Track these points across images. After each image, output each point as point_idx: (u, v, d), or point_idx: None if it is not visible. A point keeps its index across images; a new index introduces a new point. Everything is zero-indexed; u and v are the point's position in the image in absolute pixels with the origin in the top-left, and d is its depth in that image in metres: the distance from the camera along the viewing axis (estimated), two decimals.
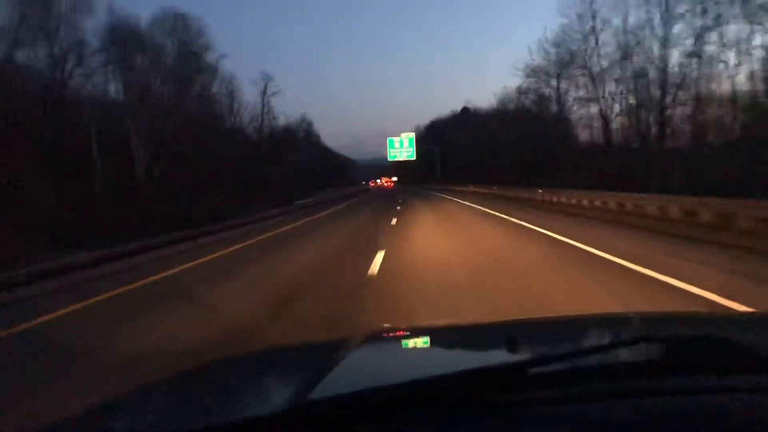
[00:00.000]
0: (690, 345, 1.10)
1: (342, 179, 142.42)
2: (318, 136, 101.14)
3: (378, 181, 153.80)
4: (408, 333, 1.74)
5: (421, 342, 1.61)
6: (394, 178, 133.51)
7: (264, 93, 55.01)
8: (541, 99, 42.85)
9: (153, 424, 1.06)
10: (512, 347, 1.13)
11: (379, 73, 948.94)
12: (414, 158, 64.29)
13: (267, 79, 56.36)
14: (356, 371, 1.23)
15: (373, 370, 1.26)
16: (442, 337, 1.64)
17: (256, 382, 1.29)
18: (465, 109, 79.88)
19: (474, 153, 56.64)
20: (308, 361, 1.39)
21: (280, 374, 1.33)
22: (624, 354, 1.04)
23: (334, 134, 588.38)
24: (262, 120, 54.95)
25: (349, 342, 1.47)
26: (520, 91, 45.22)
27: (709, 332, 1.40)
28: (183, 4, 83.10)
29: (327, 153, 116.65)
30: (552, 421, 0.85)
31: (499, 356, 1.23)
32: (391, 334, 1.77)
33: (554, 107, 41.60)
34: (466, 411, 0.86)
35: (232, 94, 47.41)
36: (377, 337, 1.63)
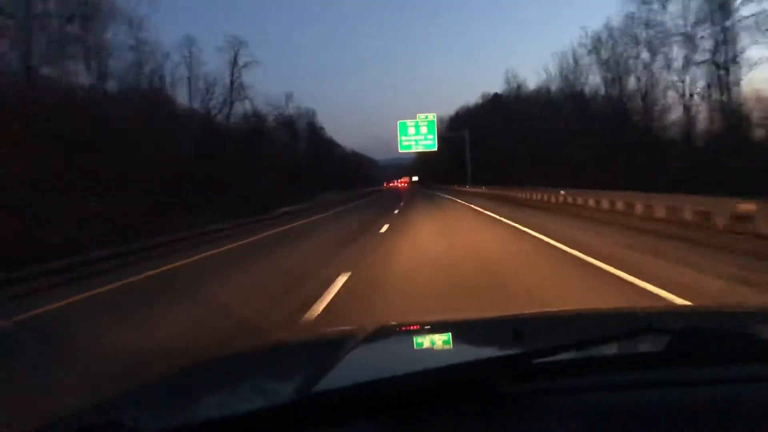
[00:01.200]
0: (691, 337, 1.08)
1: (360, 179, 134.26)
2: (321, 128, 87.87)
3: (394, 182, 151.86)
4: (414, 327, 1.76)
5: (428, 336, 1.63)
6: (415, 178, 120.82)
7: (233, 64, 41.24)
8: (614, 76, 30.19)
9: (159, 418, 1.02)
10: (518, 339, 1.16)
11: (400, 68, 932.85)
12: (434, 149, 47.51)
13: (237, 45, 42.48)
14: (361, 364, 1.24)
15: (379, 363, 1.29)
16: (449, 330, 1.65)
17: (263, 376, 1.29)
18: (497, 96, 65.54)
19: (525, 145, 42.64)
20: (314, 355, 1.41)
21: (286, 368, 1.34)
22: (627, 345, 1.06)
23: (355, 134, 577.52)
24: (231, 104, 40.92)
25: (355, 336, 1.44)
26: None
27: (709, 324, 1.44)
28: None
29: (338, 149, 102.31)
30: (557, 411, 0.86)
31: (504, 348, 1.27)
32: (397, 329, 1.73)
33: (637, 84, 28.77)
34: (472, 401, 0.87)
35: (190, 67, 34.47)
36: (383, 331, 1.58)
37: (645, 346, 1.08)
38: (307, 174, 60.34)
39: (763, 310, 1.91)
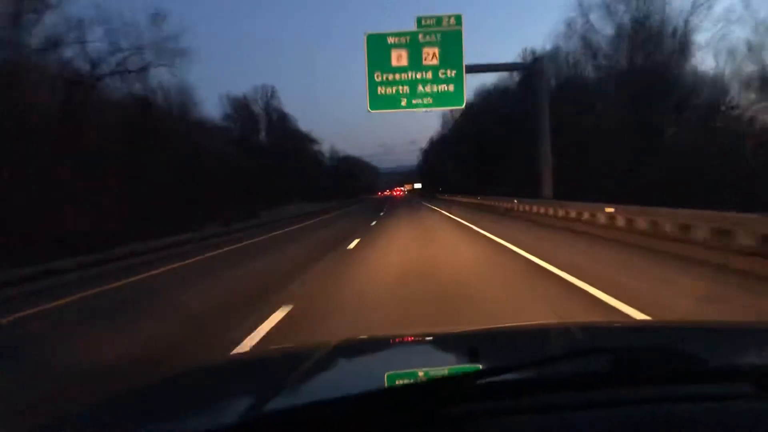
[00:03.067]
0: (640, 355, 1.09)
1: (353, 187, 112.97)
2: (285, 114, 61.55)
3: (388, 191, 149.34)
4: (373, 344, 1.75)
5: (386, 353, 1.62)
6: (417, 185, 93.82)
7: None
8: None
9: None
10: (472, 357, 1.17)
11: None
12: (462, 105, 19.42)
13: None
14: (315, 383, 1.24)
15: (332, 382, 1.29)
16: (407, 348, 1.67)
17: (214, 395, 1.27)
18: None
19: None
20: (269, 373, 1.40)
21: (238, 386, 1.31)
22: (575, 365, 1.06)
23: (361, 143, 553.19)
24: None
25: (314, 352, 1.43)
26: None
27: (659, 342, 1.44)
28: None
29: (312, 146, 74.61)
30: (505, 431, 0.87)
31: (454, 367, 1.31)
32: (358, 345, 1.72)
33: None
34: (416, 423, 0.87)
35: None
36: (341, 348, 1.55)
37: (590, 365, 1.04)
38: (261, 179, 41.52)
39: (713, 326, 1.95)
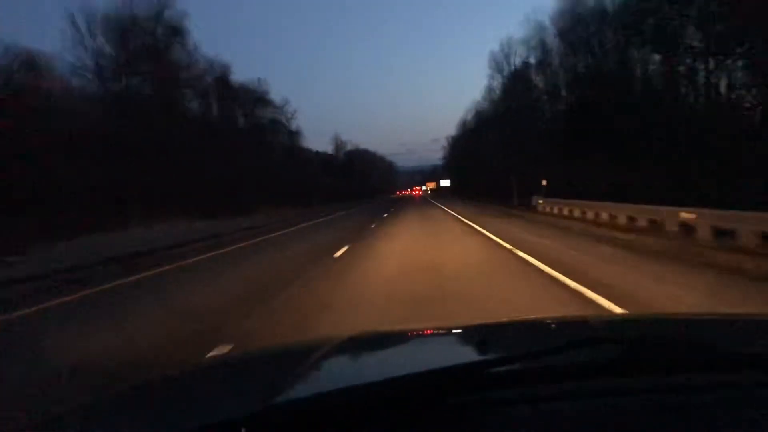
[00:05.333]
0: (646, 345, 1.11)
1: (366, 186, 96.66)
2: (266, 92, 43.37)
3: (408, 190, 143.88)
4: (381, 338, 1.73)
5: (393, 346, 1.60)
6: (445, 182, 73.39)
7: None
8: None
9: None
10: (480, 349, 1.17)
11: (425, 75, 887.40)
12: None
13: None
14: (322, 377, 1.24)
15: (339, 376, 1.29)
16: (415, 341, 1.66)
17: (225, 388, 1.27)
18: None
19: None
20: (278, 367, 1.39)
21: (248, 380, 1.32)
22: (582, 354, 1.06)
23: (384, 141, 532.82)
24: None
25: (321, 347, 1.39)
26: None
27: (662, 333, 1.45)
28: None
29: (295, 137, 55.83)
30: (510, 421, 0.87)
31: (462, 358, 1.28)
32: (364, 339, 1.64)
33: None
34: (426, 412, 0.87)
35: None
36: (349, 342, 1.51)
37: (599, 355, 1.04)
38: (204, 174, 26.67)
39: (714, 316, 1.97)
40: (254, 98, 47.52)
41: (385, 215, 26.40)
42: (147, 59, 28.82)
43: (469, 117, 64.09)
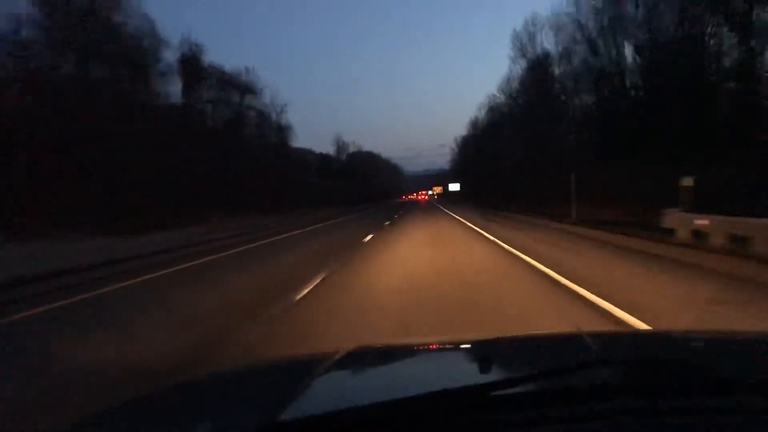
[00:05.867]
0: (652, 366, 1.09)
1: (370, 190, 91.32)
2: (252, 83, 37.57)
3: (414, 194, 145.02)
4: (383, 352, 1.71)
5: (396, 362, 1.59)
6: (454, 186, 65.97)
7: None
8: None
9: None
10: (483, 367, 1.16)
11: (433, 80, 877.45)
12: None
13: None
14: (327, 392, 1.23)
15: (344, 391, 1.27)
16: (418, 356, 1.64)
17: (228, 402, 1.25)
18: None
19: None
20: (281, 380, 1.38)
21: (251, 393, 1.30)
22: (586, 376, 1.05)
23: (390, 146, 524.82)
24: None
25: (325, 360, 1.40)
26: None
27: (670, 353, 1.43)
28: None
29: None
30: None
31: (468, 377, 1.26)
32: (367, 354, 1.66)
33: None
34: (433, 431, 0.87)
35: None
36: (352, 355, 1.52)
37: (603, 377, 1.03)
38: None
39: (717, 336, 1.92)
40: (238, 89, 40.78)
41: (370, 238, 15.22)
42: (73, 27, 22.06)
43: (483, 114, 56.99)
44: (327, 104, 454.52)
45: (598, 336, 1.79)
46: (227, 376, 1.60)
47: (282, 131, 49.61)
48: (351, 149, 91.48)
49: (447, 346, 1.72)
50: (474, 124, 62.21)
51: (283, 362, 1.78)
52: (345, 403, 0.93)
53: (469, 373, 1.29)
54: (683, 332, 2.53)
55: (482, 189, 52.66)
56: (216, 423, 1.06)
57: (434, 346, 1.73)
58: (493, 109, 50.83)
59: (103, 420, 1.20)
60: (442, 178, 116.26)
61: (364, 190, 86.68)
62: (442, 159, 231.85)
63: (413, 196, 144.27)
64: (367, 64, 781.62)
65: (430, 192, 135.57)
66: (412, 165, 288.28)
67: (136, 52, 25.39)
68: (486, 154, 52.64)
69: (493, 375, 1.13)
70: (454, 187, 66.84)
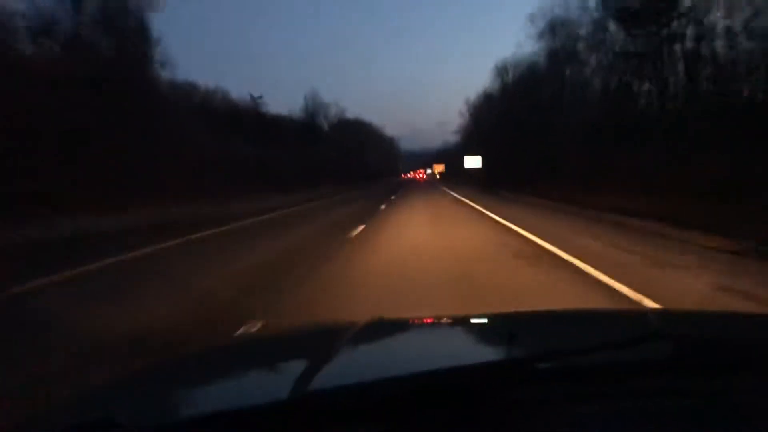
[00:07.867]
0: (699, 345, 1.03)
1: (362, 166, 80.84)
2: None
3: (411, 172, 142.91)
4: (406, 324, 1.69)
5: (420, 334, 1.56)
6: (474, 161, 49.18)
7: None
8: None
9: (153, 414, 0.98)
10: (513, 341, 1.12)
11: (433, 59, 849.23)
12: None
13: None
14: (355, 362, 1.20)
15: (373, 362, 1.23)
16: (443, 329, 1.61)
17: (256, 369, 1.27)
18: None
19: None
20: (305, 349, 1.35)
21: (276, 362, 1.30)
22: (629, 352, 0.99)
23: (392, 124, 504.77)
24: None
25: (347, 330, 1.36)
26: None
27: (719, 331, 1.37)
28: None
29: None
30: (554, 419, 0.84)
31: (501, 350, 1.21)
32: (389, 325, 1.61)
33: None
34: (467, 407, 0.85)
35: None
36: (376, 326, 1.47)
37: (652, 352, 0.97)
38: None
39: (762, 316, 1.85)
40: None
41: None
42: None
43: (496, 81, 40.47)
44: (317, 76, 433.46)
45: (632, 312, 1.80)
46: (247, 345, 1.64)
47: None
48: (333, 111, 74.00)
49: (471, 320, 1.64)
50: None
51: (302, 332, 1.78)
52: (377, 374, 0.91)
53: (500, 347, 1.20)
54: (733, 312, 2.47)
55: (511, 166, 36.37)
56: (247, 391, 1.04)
57: (454, 321, 1.65)
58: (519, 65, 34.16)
59: (133, 382, 1.20)
60: (444, 157, 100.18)
61: (351, 165, 70.27)
62: (441, 138, 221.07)
63: (411, 175, 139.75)
64: (361, 38, 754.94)
65: (428, 171, 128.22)
66: (414, 143, 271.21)
67: None
68: (518, 117, 36.12)
69: (526, 350, 1.10)
70: (472, 162, 48.54)
